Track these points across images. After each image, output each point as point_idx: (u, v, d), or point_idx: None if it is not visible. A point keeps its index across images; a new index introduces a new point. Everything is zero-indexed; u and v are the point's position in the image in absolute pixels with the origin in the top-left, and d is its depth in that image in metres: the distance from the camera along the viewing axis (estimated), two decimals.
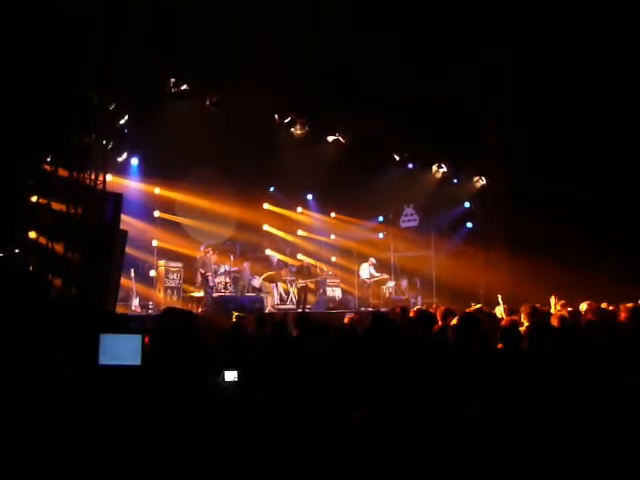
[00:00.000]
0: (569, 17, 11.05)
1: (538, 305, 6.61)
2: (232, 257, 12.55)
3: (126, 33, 8.03)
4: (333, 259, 15.44)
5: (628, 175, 12.28)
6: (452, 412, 2.87)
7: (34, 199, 7.32)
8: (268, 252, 14.08)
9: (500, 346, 4.13)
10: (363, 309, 12.85)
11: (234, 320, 6.21)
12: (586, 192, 12.52)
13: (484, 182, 15.72)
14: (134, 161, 11.24)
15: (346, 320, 6.00)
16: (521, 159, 13.68)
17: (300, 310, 11.82)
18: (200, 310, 10.86)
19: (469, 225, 15.74)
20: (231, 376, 3.66)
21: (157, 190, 11.89)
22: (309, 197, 14.91)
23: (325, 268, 14.67)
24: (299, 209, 14.99)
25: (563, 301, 7.15)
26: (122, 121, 10.15)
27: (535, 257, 12.09)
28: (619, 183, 12.37)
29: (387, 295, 14.50)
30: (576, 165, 12.66)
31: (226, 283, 12.08)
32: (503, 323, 4.63)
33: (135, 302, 10.71)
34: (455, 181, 15.49)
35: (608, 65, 11.59)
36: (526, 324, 4.78)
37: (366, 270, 14.10)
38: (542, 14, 11.20)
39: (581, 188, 12.54)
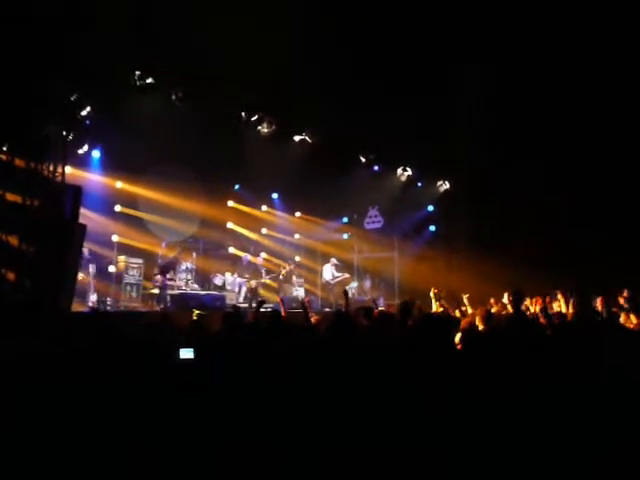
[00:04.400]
0: (535, 27, 11.32)
1: (495, 308, 6.77)
2: (194, 254, 12.38)
3: (90, 23, 7.83)
4: (297, 258, 15.42)
5: (588, 180, 12.71)
6: (409, 411, 2.90)
7: None
8: (231, 250, 13.96)
9: (459, 347, 4.19)
10: (327, 309, 12.87)
11: (195, 318, 6.12)
12: (548, 195, 12.92)
13: (447, 186, 15.99)
14: (95, 153, 10.97)
15: (313, 321, 5.97)
16: (484, 164, 14.00)
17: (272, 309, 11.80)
18: (159, 308, 10.67)
19: (432, 228, 15.98)
20: (187, 354, 3.65)
21: (119, 184, 11.64)
22: (274, 196, 14.86)
23: (288, 267, 14.65)
24: (264, 207, 14.91)
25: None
26: (84, 112, 9.91)
27: (497, 260, 12.38)
28: (580, 187, 12.78)
29: (350, 295, 14.55)
30: (537, 170, 13.06)
31: (187, 280, 11.92)
32: (461, 326, 4.71)
33: (92, 298, 10.44)
34: (419, 184, 15.70)
35: (569, 75, 11.93)
36: (481, 327, 4.87)
37: (328, 271, 14.15)
38: (511, 26, 11.44)
39: (543, 191, 12.95)
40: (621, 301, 7.77)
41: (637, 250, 11.97)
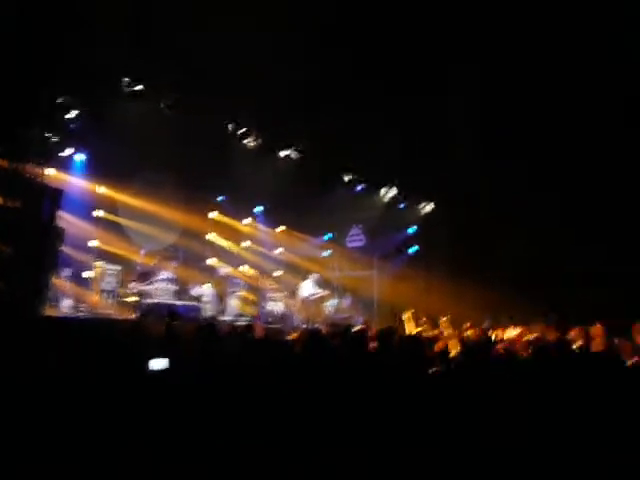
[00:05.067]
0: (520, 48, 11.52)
1: (471, 331, 6.83)
2: (173, 263, 12.26)
3: (80, 26, 7.82)
4: (277, 273, 15.36)
5: (572, 205, 12.91)
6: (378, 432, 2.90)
7: None
8: (211, 262, 13.87)
9: (436, 369, 4.21)
10: (305, 326, 12.82)
11: (169, 328, 6.05)
12: (526, 222, 13.11)
13: (430, 208, 16.15)
14: (79, 157, 10.88)
15: (292, 337, 5.94)
16: (468, 188, 14.18)
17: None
18: (134, 316, 10.53)
19: (413, 249, 16.07)
20: (159, 364, 3.61)
21: (101, 189, 11.54)
22: (258, 209, 14.84)
23: (268, 282, 14.58)
24: (247, 220, 14.88)
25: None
26: (70, 115, 9.85)
27: (475, 284, 12.50)
28: (564, 212, 12.97)
29: (328, 313, 14.54)
30: (521, 195, 13.28)
31: (164, 290, 11.79)
32: (436, 348, 4.74)
33: (66, 303, 10.26)
34: (403, 205, 15.83)
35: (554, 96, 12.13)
36: (457, 349, 4.90)
37: (308, 286, 14.11)
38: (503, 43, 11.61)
39: (526, 217, 13.14)
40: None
41: (614, 281, 12.14)
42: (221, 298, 12.53)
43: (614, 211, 12.46)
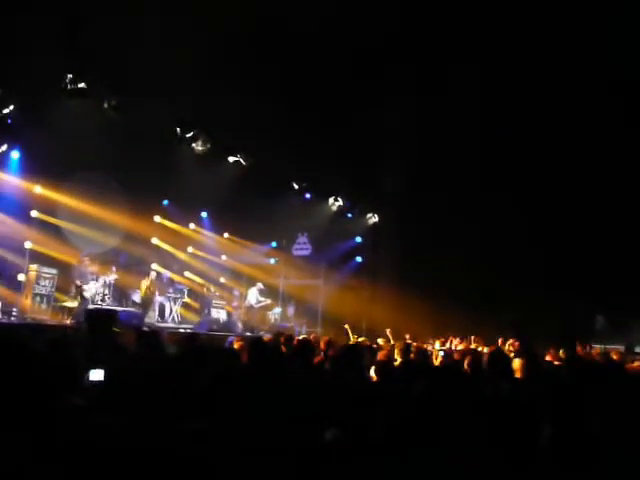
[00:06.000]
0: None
1: (415, 343, 6.96)
2: (114, 268, 11.86)
3: (19, 19, 7.49)
4: (222, 280, 15.16)
5: (517, 222, 13.36)
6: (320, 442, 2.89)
7: None
8: (154, 267, 13.53)
9: (375, 379, 4.24)
10: (248, 334, 12.68)
11: (109, 336, 5.83)
12: (471, 236, 13.50)
13: (376, 219, 16.39)
14: (15, 154, 10.38)
15: (236, 346, 5.83)
16: (414, 201, 14.49)
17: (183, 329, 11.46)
18: (70, 322, 10.10)
19: (359, 259, 16.25)
20: (97, 375, 3.48)
21: (38, 189, 11.02)
22: (203, 215, 14.61)
23: (212, 288, 14.36)
24: (192, 226, 14.61)
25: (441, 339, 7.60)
26: (6, 110, 9.40)
27: (419, 295, 12.75)
28: (504, 229, 13.39)
29: (273, 321, 14.46)
30: (464, 210, 13.67)
31: (104, 295, 11.38)
32: (378, 357, 4.79)
33: None
34: (349, 215, 15.99)
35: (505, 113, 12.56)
36: (399, 360, 4.96)
37: (253, 295, 14.00)
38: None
39: (469, 230, 13.53)
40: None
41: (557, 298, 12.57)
42: (147, 303, 12.11)
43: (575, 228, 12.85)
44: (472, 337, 9.08)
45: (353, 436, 3.08)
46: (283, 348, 5.66)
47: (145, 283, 11.97)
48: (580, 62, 11.46)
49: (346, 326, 7.93)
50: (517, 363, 4.30)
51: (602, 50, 11.33)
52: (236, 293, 14.51)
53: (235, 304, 14.12)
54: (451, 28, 11.49)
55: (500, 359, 4.55)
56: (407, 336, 9.39)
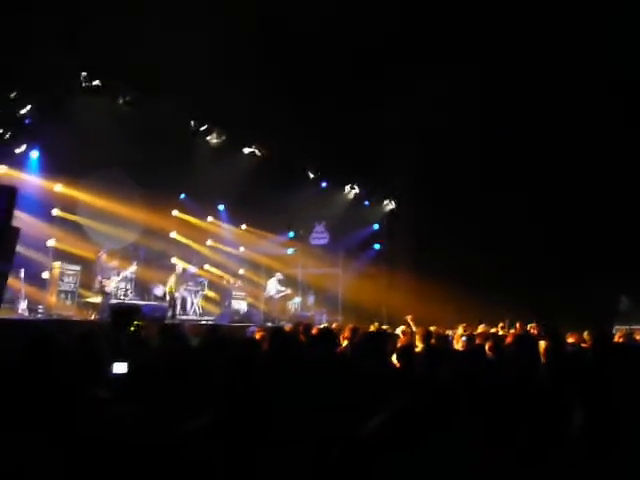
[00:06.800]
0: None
1: (435, 328, 6.94)
2: (135, 263, 12.00)
3: (34, 19, 7.56)
4: (241, 271, 15.25)
5: (532, 206, 13.23)
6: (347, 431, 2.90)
7: None
8: (174, 260, 13.66)
9: (398, 366, 4.24)
10: (269, 324, 12.77)
11: (132, 329, 5.91)
12: (492, 220, 13.38)
13: (393, 206, 16.30)
14: (34, 154, 10.52)
15: (258, 336, 5.87)
16: (430, 186, 14.38)
17: (205, 321, 11.58)
18: (95, 317, 10.27)
19: (377, 247, 16.20)
20: (120, 368, 3.54)
21: (58, 187, 11.17)
22: (221, 207, 14.68)
23: (232, 280, 14.46)
24: (209, 218, 14.70)
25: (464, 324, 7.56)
26: (24, 111, 9.52)
27: (437, 281, 12.68)
28: (528, 211, 13.27)
29: (293, 311, 14.53)
30: (480, 196, 13.54)
31: (126, 290, 11.53)
32: (399, 344, 4.79)
33: (23, 305, 9.92)
34: (366, 203, 15.93)
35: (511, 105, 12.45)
36: (421, 346, 4.96)
37: (273, 285, 14.07)
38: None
39: (488, 216, 13.40)
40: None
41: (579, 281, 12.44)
42: (173, 297, 12.22)
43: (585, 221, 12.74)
44: (500, 322, 8.98)
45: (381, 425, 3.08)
46: (302, 337, 5.69)
47: (172, 279, 12.09)
48: (580, 62, 11.32)
49: (408, 317, 7.85)
50: (542, 346, 4.26)
51: (602, 50, 11.16)
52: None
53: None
54: (451, 28, 11.40)
55: (527, 342, 4.52)
56: (432, 328, 9.29)
